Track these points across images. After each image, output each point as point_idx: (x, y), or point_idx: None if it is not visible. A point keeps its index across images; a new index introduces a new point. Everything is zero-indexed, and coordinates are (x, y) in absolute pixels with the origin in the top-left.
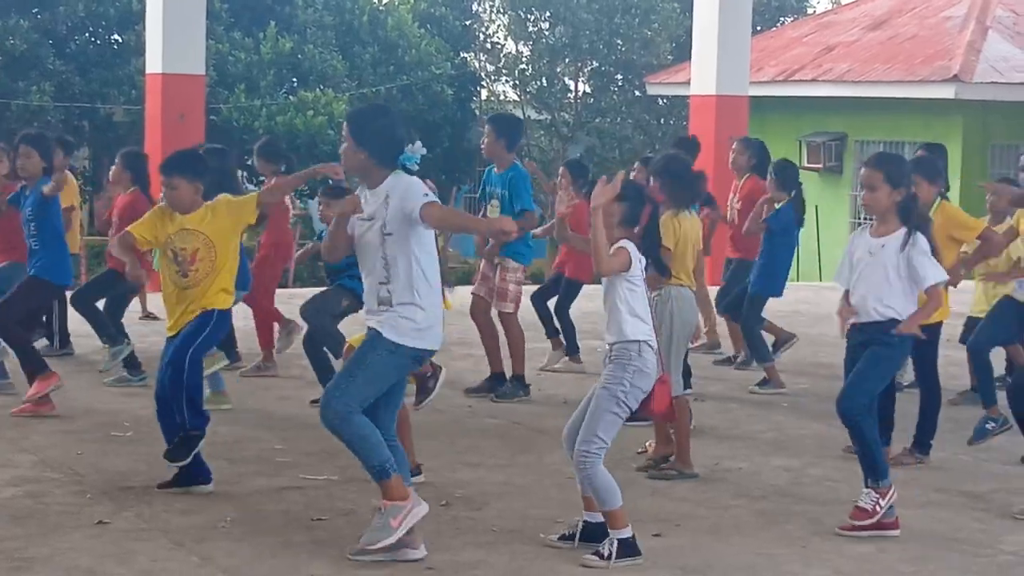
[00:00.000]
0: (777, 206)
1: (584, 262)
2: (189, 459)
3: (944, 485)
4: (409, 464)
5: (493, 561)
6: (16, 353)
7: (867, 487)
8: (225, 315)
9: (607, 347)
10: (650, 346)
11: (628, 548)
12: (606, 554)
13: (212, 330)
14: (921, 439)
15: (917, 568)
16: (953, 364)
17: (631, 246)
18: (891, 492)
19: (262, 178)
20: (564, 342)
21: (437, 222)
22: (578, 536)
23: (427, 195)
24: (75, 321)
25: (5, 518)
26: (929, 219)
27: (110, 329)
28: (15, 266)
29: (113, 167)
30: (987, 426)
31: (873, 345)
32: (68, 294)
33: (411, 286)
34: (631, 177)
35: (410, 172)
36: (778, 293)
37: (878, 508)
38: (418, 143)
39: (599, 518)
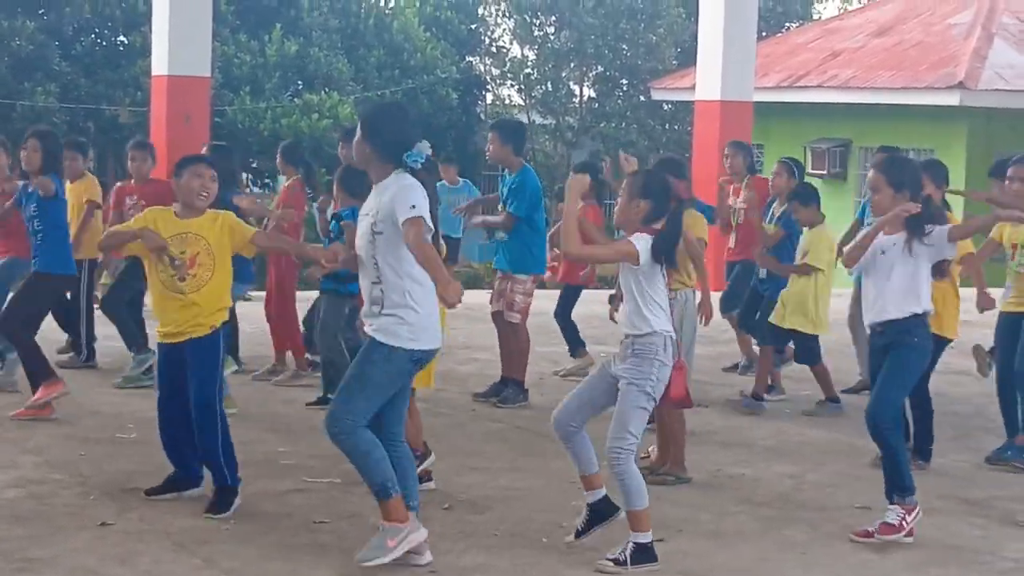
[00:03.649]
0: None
1: (575, 266)
2: (232, 508)
3: (945, 492)
4: (416, 469)
5: (496, 565)
6: (21, 357)
7: (892, 503)
8: (226, 329)
9: (626, 336)
10: (672, 339)
11: (645, 554)
12: (622, 559)
13: (219, 359)
14: (920, 446)
15: (918, 575)
16: (955, 371)
17: (642, 241)
18: (916, 509)
19: (268, 180)
20: (587, 351)
21: (408, 241)
22: (588, 522)
23: (414, 207)
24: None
25: (9, 519)
26: (944, 219)
27: (138, 337)
28: (15, 261)
29: (132, 161)
30: (1008, 453)
31: (893, 348)
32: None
33: (402, 287)
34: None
35: (413, 170)
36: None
37: (904, 524)
38: (424, 143)
39: (601, 494)
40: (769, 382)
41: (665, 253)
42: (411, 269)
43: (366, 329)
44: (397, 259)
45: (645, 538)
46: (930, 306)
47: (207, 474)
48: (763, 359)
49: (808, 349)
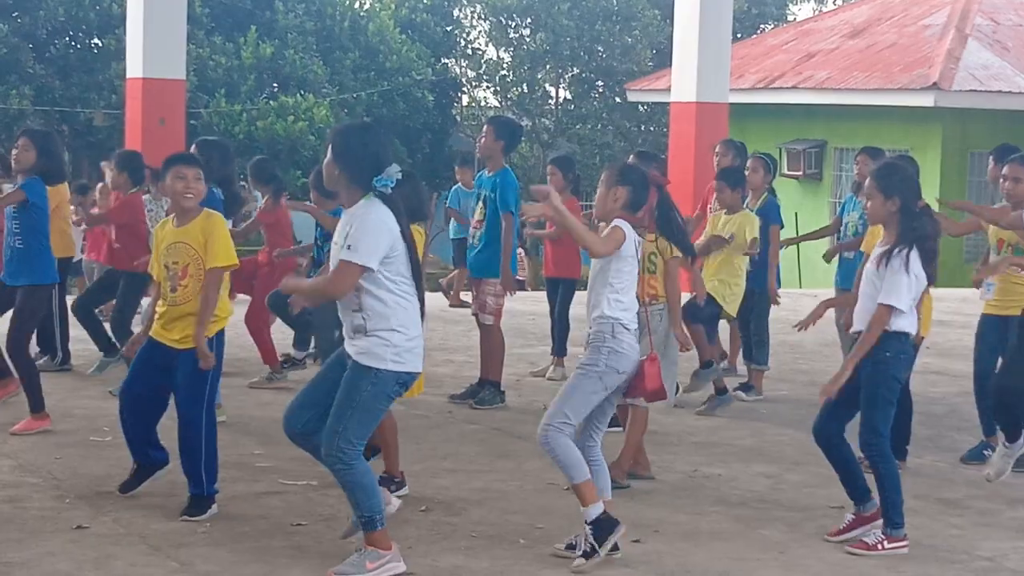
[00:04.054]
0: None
1: (563, 258)
2: (207, 514)
3: (921, 491)
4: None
5: (472, 566)
6: (22, 381)
7: (872, 519)
8: (220, 338)
9: (588, 331)
10: (625, 327)
11: (602, 527)
12: (589, 549)
13: (208, 373)
14: (896, 445)
15: (894, 575)
16: (932, 372)
17: (626, 225)
18: (901, 543)
19: (243, 182)
20: (562, 356)
21: (329, 277)
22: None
23: (350, 248)
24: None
25: None
26: (937, 228)
27: (105, 339)
28: None
29: (111, 173)
30: (984, 452)
31: (864, 369)
32: (69, 303)
33: (385, 312)
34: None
35: (382, 194)
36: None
37: (879, 547)
38: (394, 166)
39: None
40: (748, 381)
41: (673, 237)
42: (392, 293)
43: (349, 351)
44: (376, 285)
45: (596, 511)
46: (908, 327)
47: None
48: (701, 338)
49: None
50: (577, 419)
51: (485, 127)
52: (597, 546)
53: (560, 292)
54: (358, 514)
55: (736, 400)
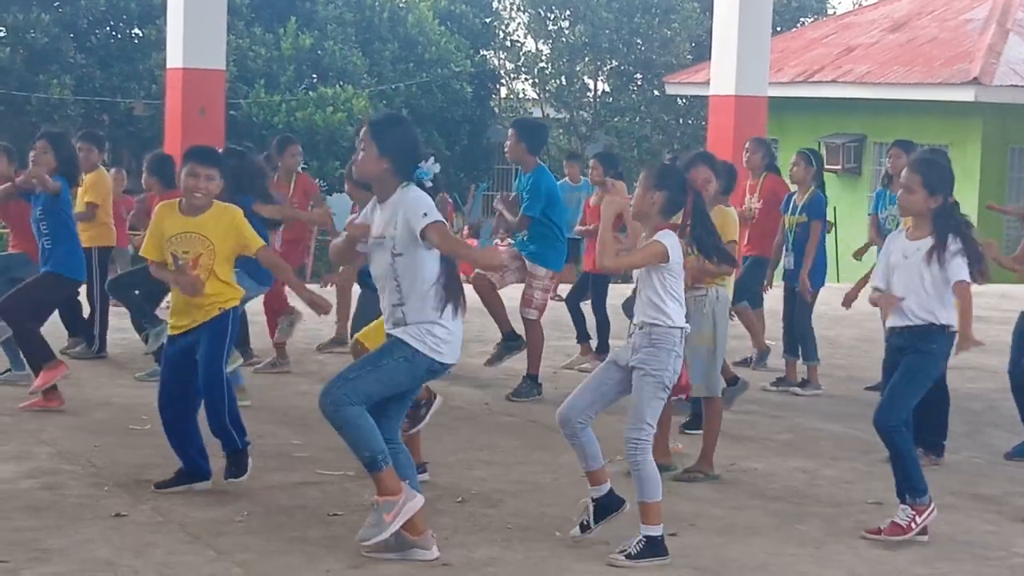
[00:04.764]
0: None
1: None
2: (247, 473)
3: (958, 488)
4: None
5: (508, 558)
6: (20, 342)
7: (904, 503)
8: (236, 312)
9: (641, 326)
10: (685, 333)
11: (655, 547)
12: (633, 553)
13: (230, 339)
14: (934, 441)
15: (930, 571)
16: (970, 367)
17: (669, 238)
18: (929, 509)
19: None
20: (591, 348)
21: (436, 245)
22: (592, 519)
23: (426, 215)
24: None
25: (23, 509)
26: (970, 225)
27: (147, 310)
28: (25, 258)
29: (143, 175)
30: None
31: (910, 353)
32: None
33: (426, 305)
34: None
35: (423, 188)
36: (823, 283)
37: (913, 525)
38: (432, 159)
39: (606, 488)
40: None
41: (709, 249)
42: (435, 283)
43: (392, 332)
44: (421, 279)
45: (656, 531)
46: (953, 320)
47: (216, 465)
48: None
49: None
50: (656, 424)
51: (509, 131)
52: (640, 558)
53: (593, 288)
54: (359, 457)
55: (784, 390)
